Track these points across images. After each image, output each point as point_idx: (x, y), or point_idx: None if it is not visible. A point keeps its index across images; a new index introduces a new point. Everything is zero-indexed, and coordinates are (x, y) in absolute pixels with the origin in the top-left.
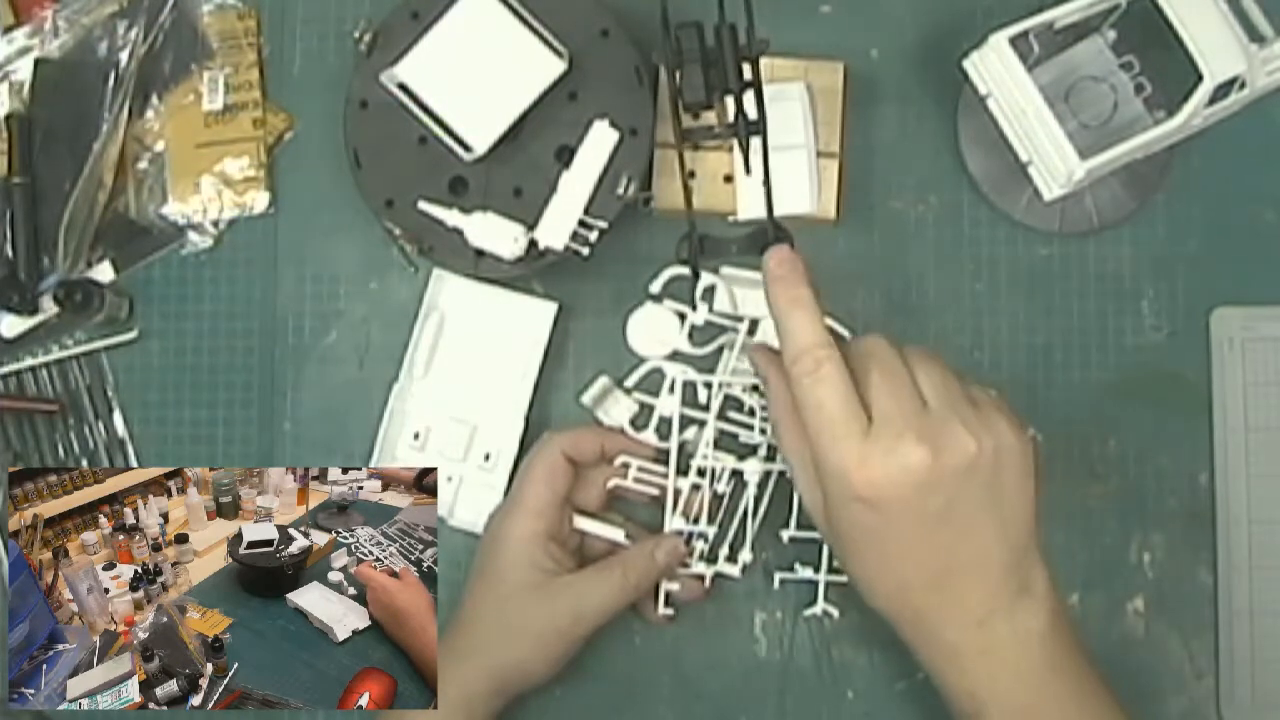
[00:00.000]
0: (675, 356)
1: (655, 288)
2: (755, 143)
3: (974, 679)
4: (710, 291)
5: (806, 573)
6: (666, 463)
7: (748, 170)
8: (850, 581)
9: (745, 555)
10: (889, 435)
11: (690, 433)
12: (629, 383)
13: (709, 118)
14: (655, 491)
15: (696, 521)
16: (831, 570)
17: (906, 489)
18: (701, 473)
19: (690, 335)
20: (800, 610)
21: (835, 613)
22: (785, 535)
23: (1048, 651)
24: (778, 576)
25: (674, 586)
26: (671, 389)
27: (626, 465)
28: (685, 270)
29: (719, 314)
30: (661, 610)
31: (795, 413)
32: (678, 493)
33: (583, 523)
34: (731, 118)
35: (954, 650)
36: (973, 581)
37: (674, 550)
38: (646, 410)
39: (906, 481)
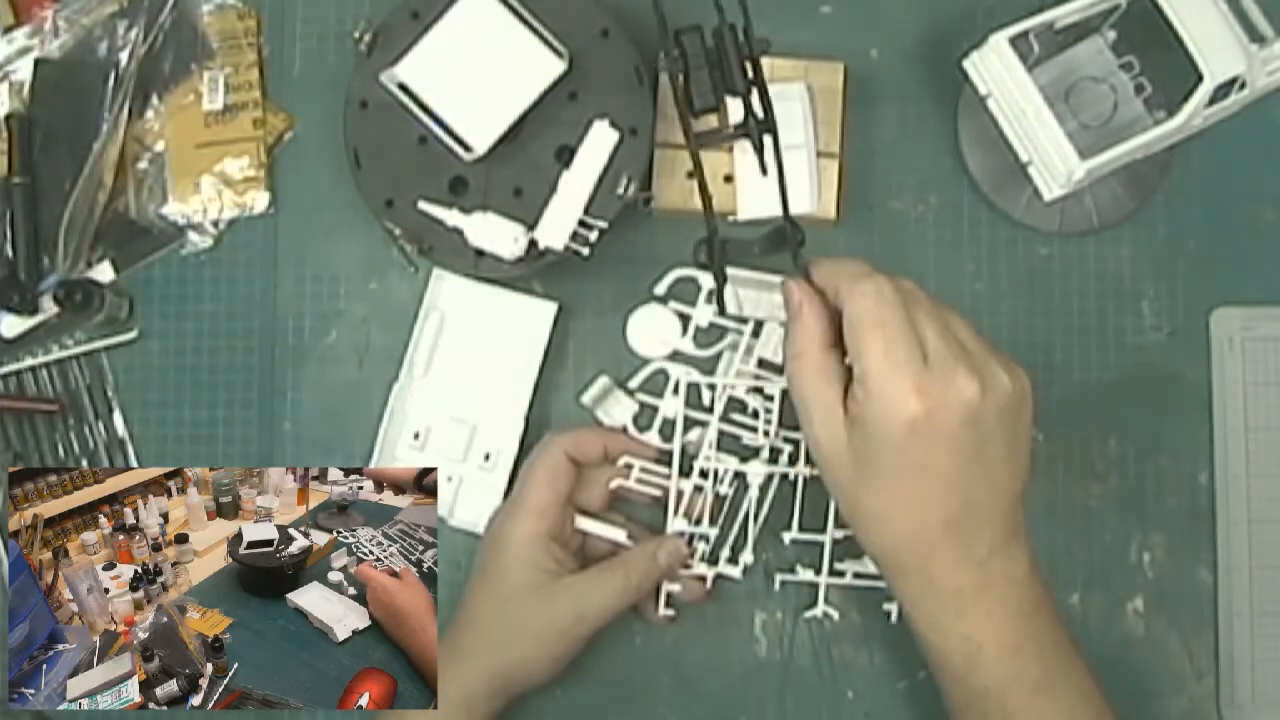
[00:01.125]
0: (676, 357)
1: (660, 289)
2: (767, 141)
3: (972, 619)
4: (711, 293)
5: (807, 574)
6: (669, 464)
7: (763, 170)
8: (858, 524)
9: (746, 556)
10: (945, 366)
11: (693, 434)
12: (633, 383)
13: (709, 119)
14: (657, 493)
15: (698, 523)
16: (832, 572)
17: (958, 421)
18: (704, 474)
19: (695, 337)
20: (801, 612)
21: (835, 614)
22: (787, 537)
23: (1032, 591)
24: (778, 578)
25: (675, 587)
26: (675, 390)
27: (629, 466)
28: (691, 271)
29: (723, 315)
30: (663, 611)
31: (824, 347)
32: (680, 494)
33: (585, 523)
34: (733, 119)
35: (958, 589)
36: (985, 520)
37: (676, 551)
38: (649, 411)
39: (960, 412)
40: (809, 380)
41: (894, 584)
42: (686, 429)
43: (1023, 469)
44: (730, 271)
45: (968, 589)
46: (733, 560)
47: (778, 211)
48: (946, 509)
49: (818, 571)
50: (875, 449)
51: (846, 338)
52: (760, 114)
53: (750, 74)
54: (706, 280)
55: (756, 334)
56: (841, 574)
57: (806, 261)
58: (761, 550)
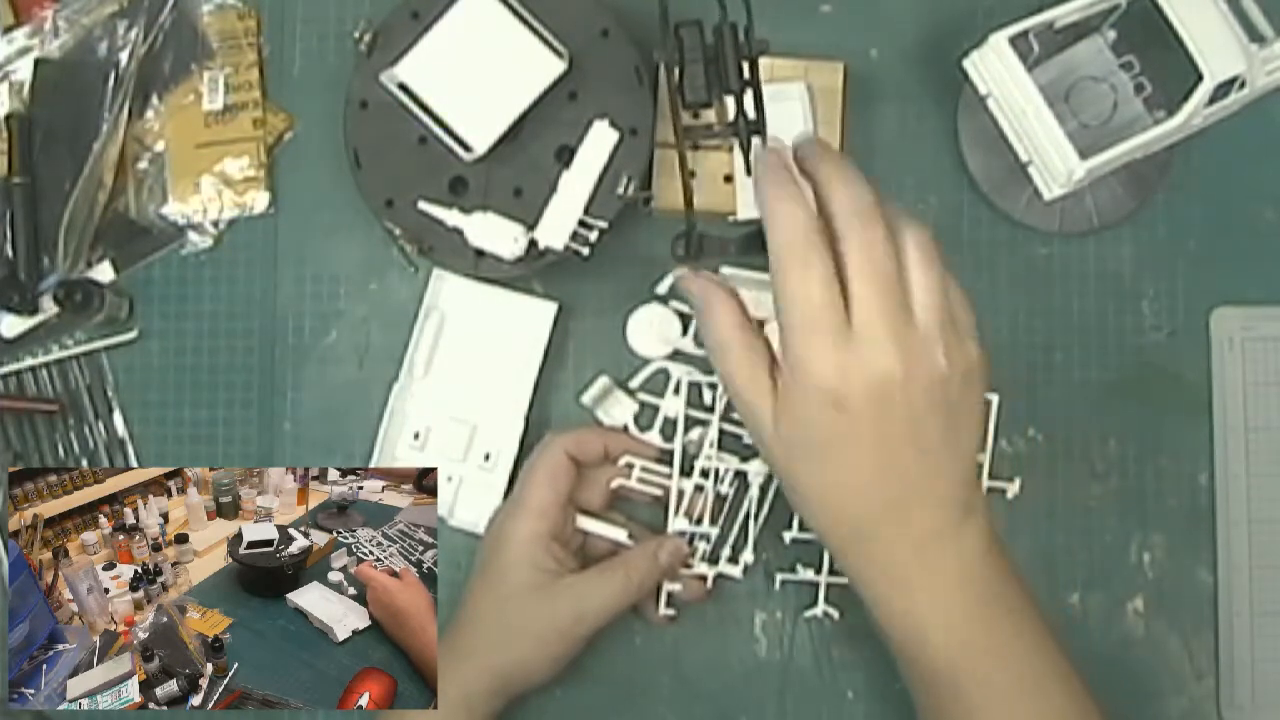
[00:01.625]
0: (677, 356)
1: (662, 289)
2: (756, 142)
3: (918, 602)
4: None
5: (808, 574)
6: (670, 463)
7: (748, 171)
8: (798, 506)
9: (747, 556)
10: (869, 335)
11: (694, 433)
12: (634, 383)
13: (708, 116)
14: (658, 492)
15: (699, 522)
16: (833, 572)
17: (877, 396)
18: (704, 474)
19: (695, 336)
20: (801, 611)
21: (835, 614)
22: (787, 537)
23: (988, 572)
24: (779, 577)
25: (676, 587)
26: (676, 390)
27: (630, 465)
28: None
29: None
30: (663, 611)
31: (744, 328)
32: (680, 493)
33: (585, 523)
34: (731, 117)
35: (902, 572)
36: (927, 501)
37: (676, 551)
38: (650, 410)
39: (879, 388)
40: (735, 366)
41: (840, 563)
42: (687, 428)
43: (968, 448)
44: (727, 270)
45: (914, 571)
46: (733, 560)
47: None
48: (880, 490)
49: (818, 571)
50: (798, 422)
51: (770, 268)
52: (752, 115)
53: (747, 74)
54: None
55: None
56: (842, 573)
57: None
58: (762, 550)
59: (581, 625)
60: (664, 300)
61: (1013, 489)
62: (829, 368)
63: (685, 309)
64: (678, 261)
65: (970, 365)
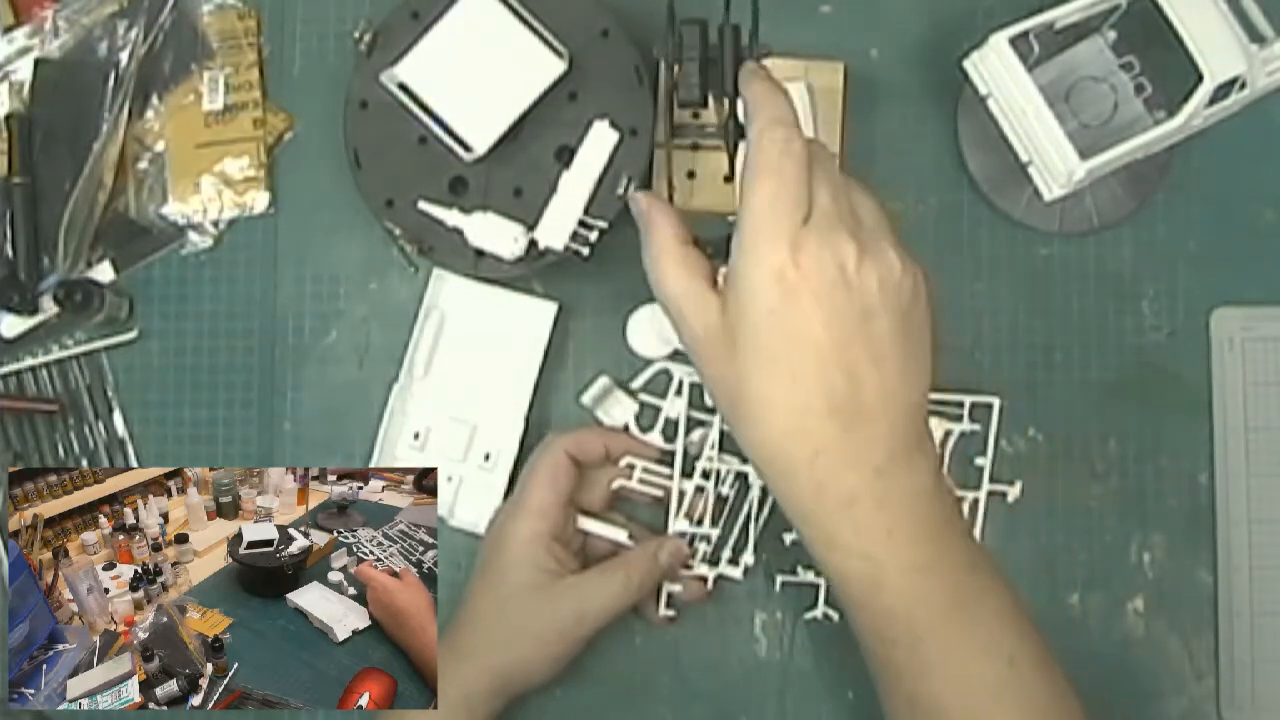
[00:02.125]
0: (675, 357)
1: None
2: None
3: (871, 536)
4: None
5: (808, 575)
6: (670, 464)
7: (731, 174)
8: (740, 416)
9: (747, 557)
10: (825, 227)
11: (695, 434)
12: (636, 383)
13: (709, 116)
14: (659, 493)
15: (700, 523)
16: None
17: (830, 282)
18: (705, 474)
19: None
20: (801, 612)
21: (836, 616)
22: (787, 538)
23: (938, 510)
24: (779, 579)
25: (676, 588)
26: (678, 391)
27: (631, 466)
28: None
29: None
30: (663, 611)
31: (682, 242)
32: (681, 494)
33: (586, 523)
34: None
35: (851, 499)
36: (878, 422)
37: (677, 552)
38: (651, 411)
39: (833, 273)
40: (673, 275)
41: (783, 492)
42: (689, 430)
43: (922, 370)
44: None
45: (863, 500)
46: (734, 561)
47: None
48: (829, 398)
49: (818, 573)
50: (746, 316)
51: (740, 178)
52: (742, 118)
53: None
54: None
55: None
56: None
57: (758, 56)
58: (762, 551)
59: (582, 625)
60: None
61: (1014, 492)
62: (784, 250)
63: None
64: None
65: (917, 276)
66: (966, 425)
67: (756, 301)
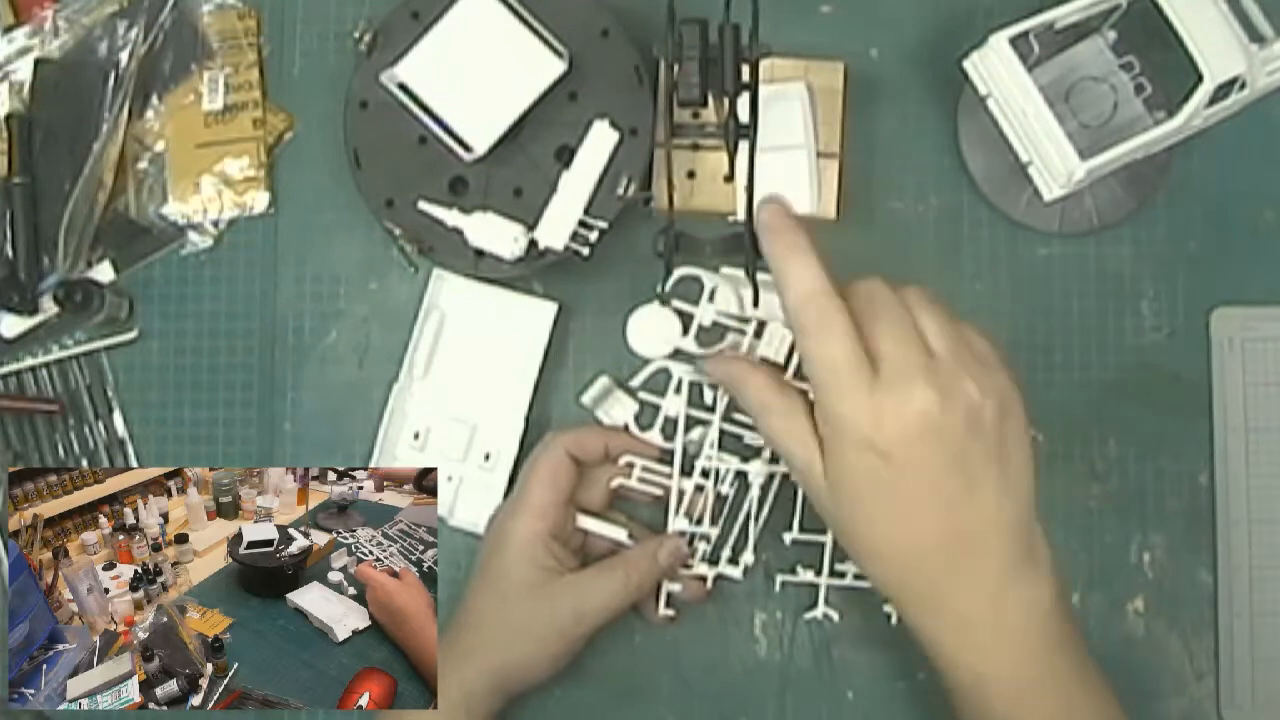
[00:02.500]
0: (677, 356)
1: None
2: (743, 146)
3: (980, 653)
4: (713, 292)
5: (808, 575)
6: (670, 463)
7: (731, 174)
8: (857, 557)
9: (747, 557)
10: (898, 381)
11: (695, 433)
12: (635, 382)
13: (708, 116)
14: (658, 492)
15: (699, 522)
16: (833, 574)
17: (916, 435)
18: (705, 473)
19: (697, 336)
20: (801, 612)
21: (836, 616)
22: (787, 538)
23: (1053, 627)
24: (779, 578)
25: (676, 587)
26: (677, 389)
27: (630, 465)
28: (695, 270)
29: (725, 314)
30: (663, 611)
31: (782, 390)
32: (681, 493)
33: (586, 522)
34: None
35: (963, 621)
36: (985, 546)
37: (676, 551)
38: (651, 410)
39: (917, 427)
40: (777, 427)
41: (903, 614)
42: (688, 428)
43: (1021, 485)
44: (730, 272)
45: (978, 622)
46: (733, 560)
47: None
48: (935, 534)
49: (818, 572)
50: (848, 478)
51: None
52: (743, 118)
53: (745, 77)
54: (709, 279)
55: (759, 334)
56: (842, 575)
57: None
58: (762, 551)
59: (581, 624)
60: (665, 300)
61: None
62: (863, 416)
63: (685, 308)
64: (657, 256)
65: (1003, 394)
66: None
67: (851, 465)
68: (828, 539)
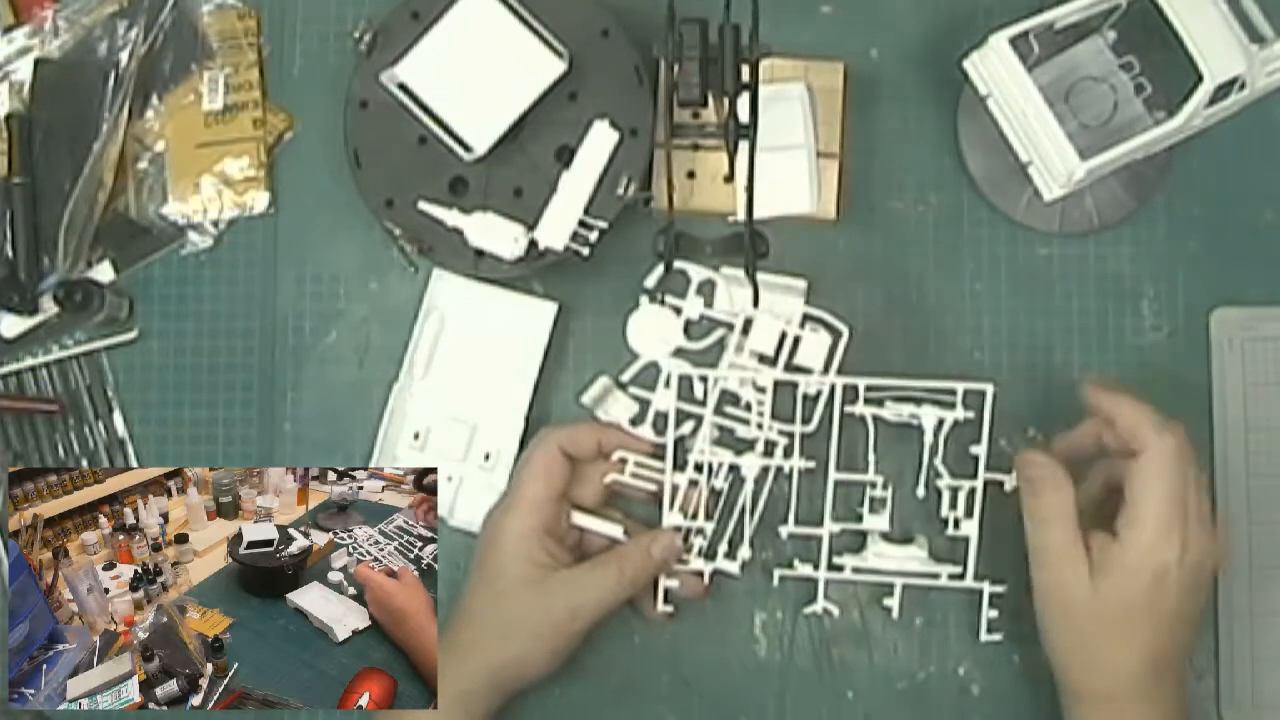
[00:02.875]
0: (676, 356)
1: (650, 282)
2: (743, 146)
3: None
4: (710, 287)
5: (806, 569)
6: (664, 458)
7: (731, 174)
8: (1084, 663)
9: (744, 552)
10: (1200, 528)
11: (687, 428)
12: (625, 376)
13: (709, 116)
14: (653, 487)
15: (694, 517)
16: (831, 567)
17: (1191, 574)
18: (699, 468)
19: (686, 329)
20: (800, 608)
21: (835, 610)
22: (784, 531)
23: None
24: (777, 573)
25: (673, 583)
26: (668, 384)
27: (624, 461)
28: (683, 265)
29: (719, 311)
30: (660, 607)
31: (1071, 512)
32: (675, 488)
33: (580, 518)
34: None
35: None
36: (1175, 664)
37: (670, 545)
38: (644, 407)
39: (1195, 568)
40: (1059, 538)
41: (1081, 711)
42: (680, 423)
43: (1201, 616)
44: (727, 270)
45: None
46: (730, 555)
47: (775, 213)
48: (1158, 654)
49: (816, 566)
50: (1123, 593)
51: (1130, 476)
52: (743, 118)
53: (745, 77)
54: (696, 272)
55: (746, 330)
56: (840, 568)
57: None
58: (759, 545)
59: (577, 620)
60: (653, 295)
61: (1010, 481)
62: (1174, 552)
63: (677, 302)
64: (657, 256)
65: (1213, 549)
66: (960, 413)
67: (1140, 585)
68: (824, 531)
